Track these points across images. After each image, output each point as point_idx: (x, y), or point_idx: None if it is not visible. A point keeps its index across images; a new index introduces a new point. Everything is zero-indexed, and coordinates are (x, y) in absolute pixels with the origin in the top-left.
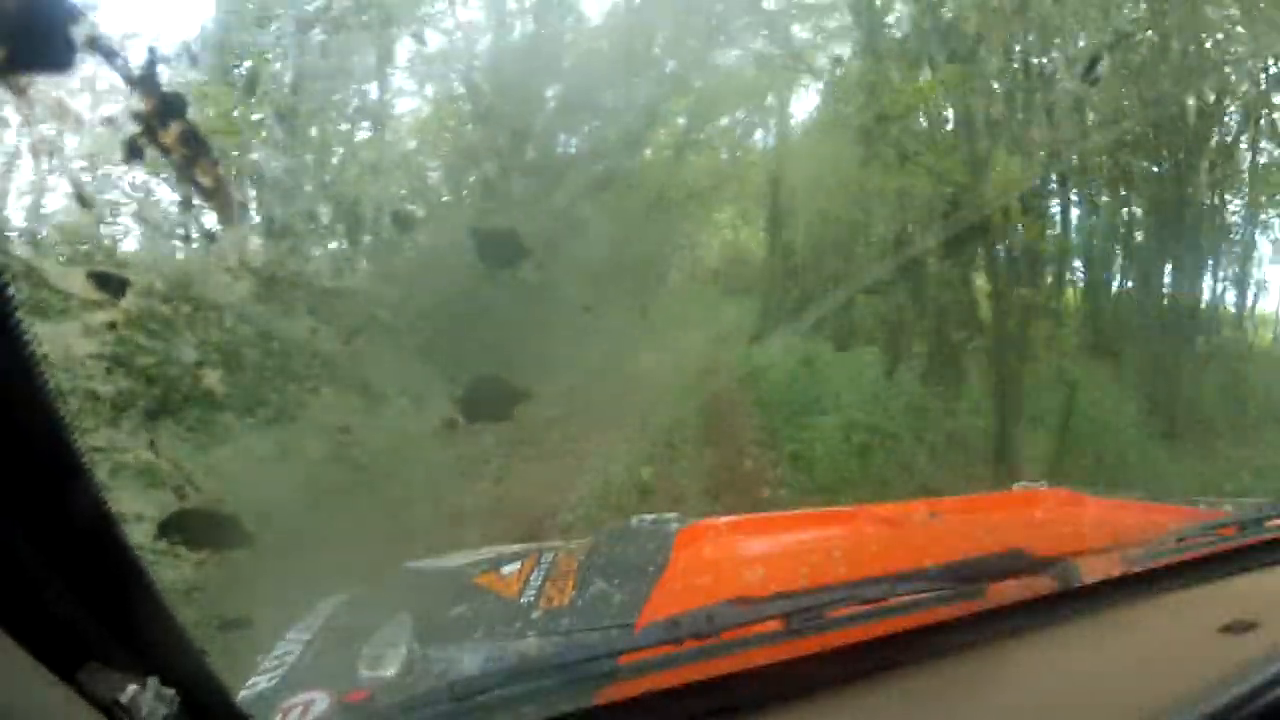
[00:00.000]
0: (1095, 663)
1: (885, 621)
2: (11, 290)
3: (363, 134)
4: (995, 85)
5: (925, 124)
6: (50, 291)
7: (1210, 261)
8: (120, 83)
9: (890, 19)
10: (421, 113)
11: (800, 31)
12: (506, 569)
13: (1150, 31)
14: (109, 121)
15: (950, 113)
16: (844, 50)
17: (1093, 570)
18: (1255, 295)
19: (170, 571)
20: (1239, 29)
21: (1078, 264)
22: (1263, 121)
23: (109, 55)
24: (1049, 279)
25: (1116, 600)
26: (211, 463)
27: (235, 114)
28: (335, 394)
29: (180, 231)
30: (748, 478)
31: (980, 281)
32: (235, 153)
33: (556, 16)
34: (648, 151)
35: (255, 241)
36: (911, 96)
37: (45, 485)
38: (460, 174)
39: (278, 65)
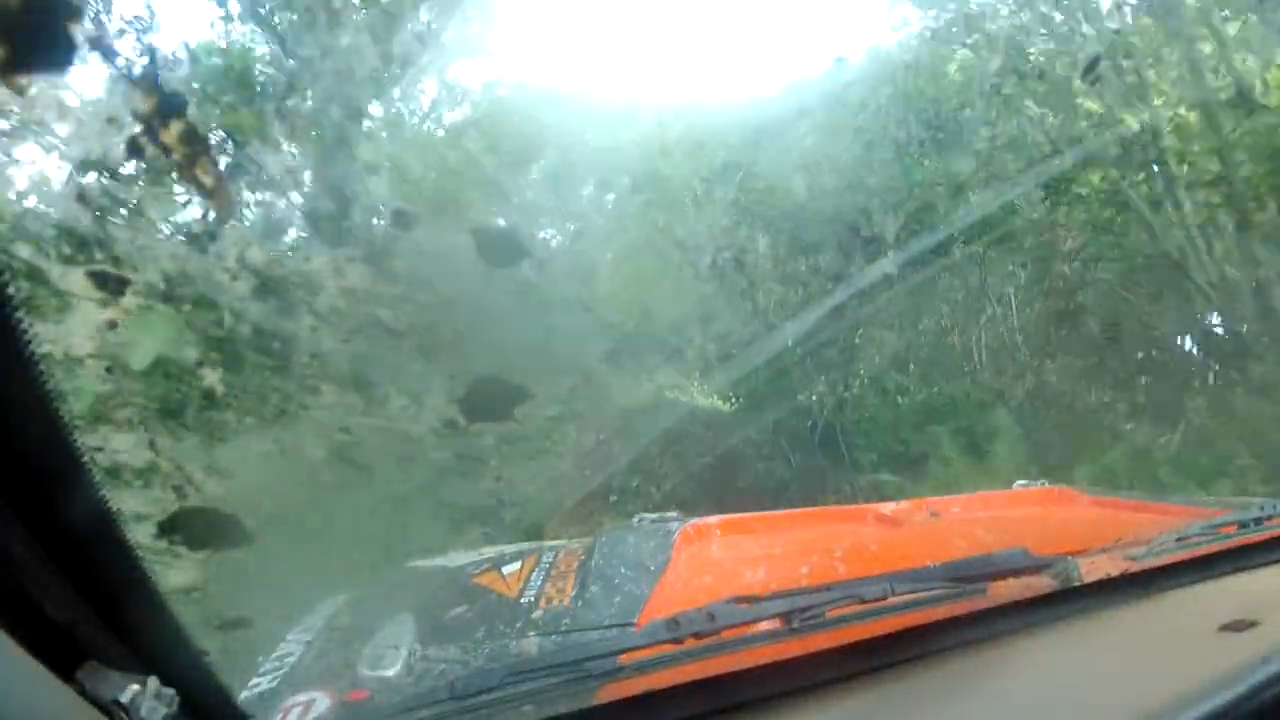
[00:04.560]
0: (1095, 662)
1: (885, 621)
2: (11, 289)
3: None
4: None
5: None
6: (50, 290)
7: None
8: (121, 81)
9: None
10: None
11: None
12: (507, 569)
13: None
14: (109, 120)
15: None
16: None
17: (1093, 569)
18: None
19: (170, 571)
20: None
21: None
22: None
23: (109, 54)
24: None
25: (1116, 599)
26: (212, 462)
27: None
28: (335, 393)
29: (180, 230)
30: None
31: None
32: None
33: None
34: None
35: (255, 240)
36: None
37: (45, 485)
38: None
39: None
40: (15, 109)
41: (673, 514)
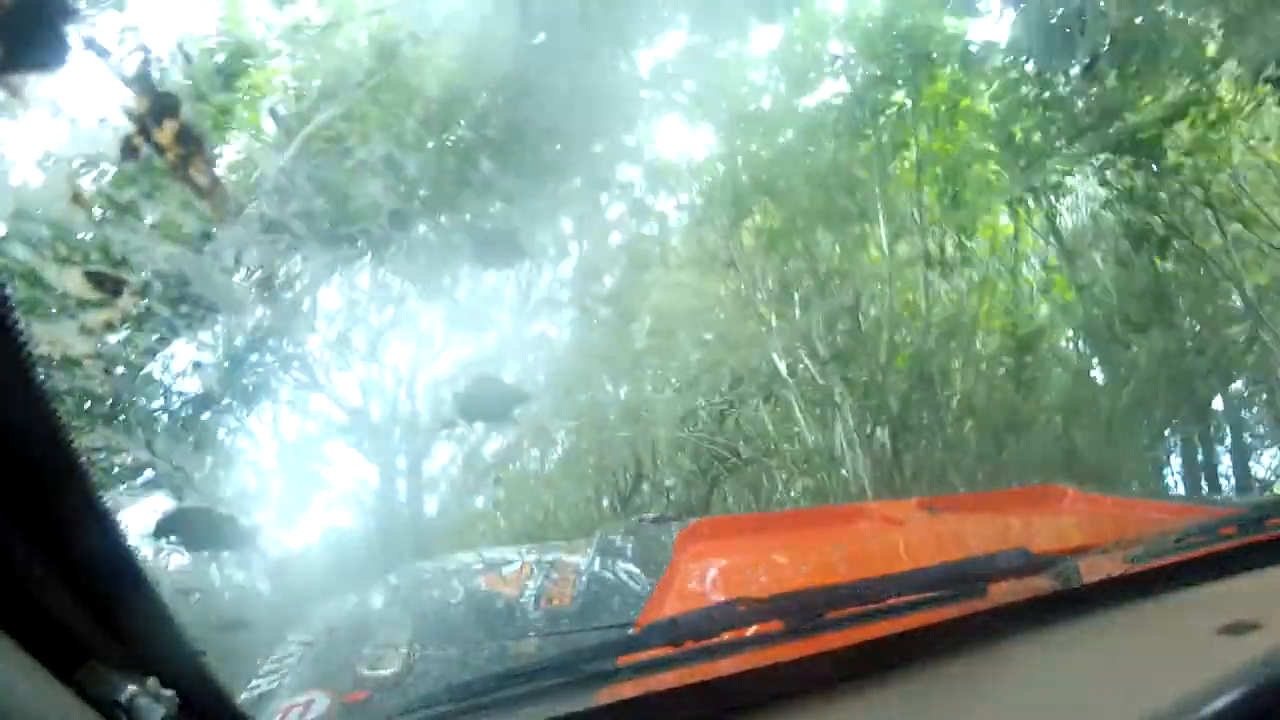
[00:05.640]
0: (1095, 663)
1: (885, 621)
2: (8, 290)
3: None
4: None
5: None
6: (47, 291)
7: None
8: (115, 81)
9: None
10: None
11: None
12: (507, 569)
13: None
14: (104, 120)
15: None
16: None
17: (1093, 570)
18: None
19: (170, 571)
20: None
21: None
22: None
23: (104, 54)
24: None
25: (1116, 600)
26: (210, 462)
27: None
28: (336, 392)
29: (176, 230)
30: None
31: None
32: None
33: None
34: None
35: (252, 240)
36: None
37: (44, 485)
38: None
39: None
40: (10, 108)
41: (672, 515)
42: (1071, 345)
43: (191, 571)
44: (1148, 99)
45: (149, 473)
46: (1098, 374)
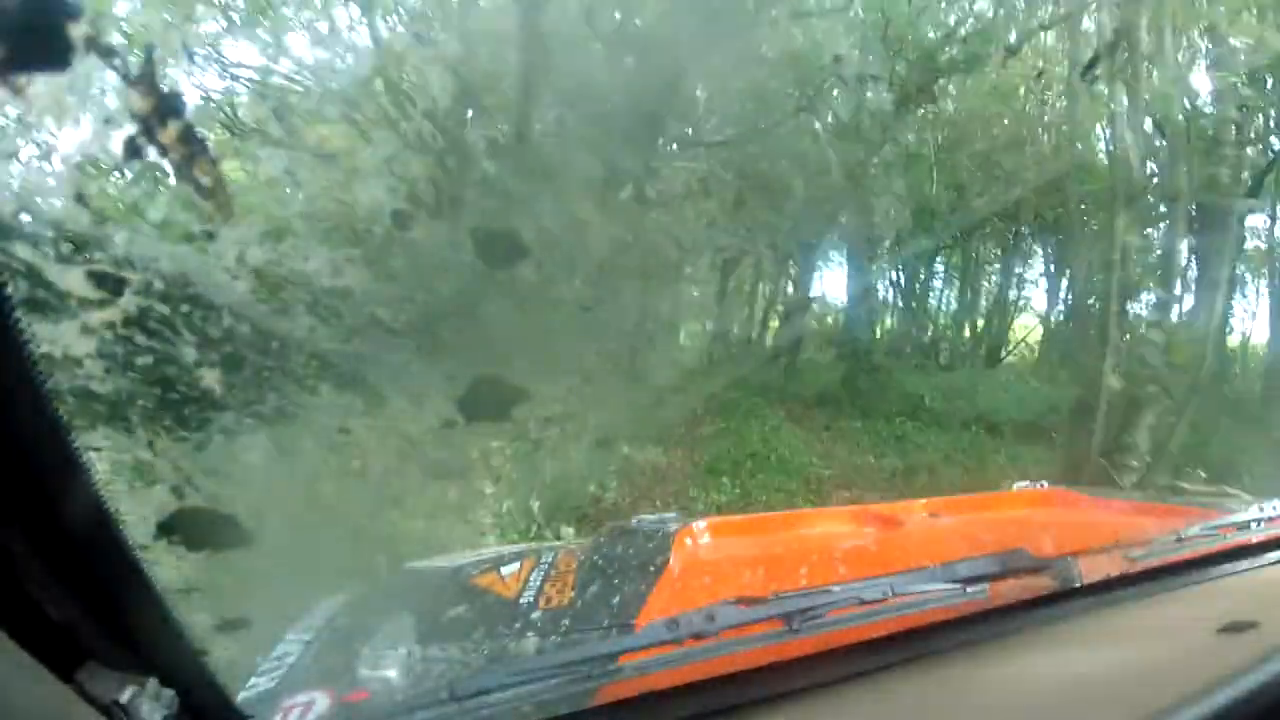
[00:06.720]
0: (1095, 662)
1: (885, 621)
2: (9, 289)
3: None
4: None
5: None
6: (48, 290)
7: None
8: (119, 81)
9: None
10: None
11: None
12: (506, 569)
13: None
14: (108, 120)
15: None
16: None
17: (1093, 570)
18: None
19: (170, 571)
20: None
21: None
22: None
23: (107, 54)
24: None
25: (1117, 600)
26: (210, 462)
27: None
28: (334, 393)
29: (179, 230)
30: None
31: None
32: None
33: None
34: None
35: (254, 240)
36: None
37: (44, 485)
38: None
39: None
40: (13, 108)
41: (672, 514)
42: None
43: (192, 571)
44: None
45: (150, 472)
46: None
